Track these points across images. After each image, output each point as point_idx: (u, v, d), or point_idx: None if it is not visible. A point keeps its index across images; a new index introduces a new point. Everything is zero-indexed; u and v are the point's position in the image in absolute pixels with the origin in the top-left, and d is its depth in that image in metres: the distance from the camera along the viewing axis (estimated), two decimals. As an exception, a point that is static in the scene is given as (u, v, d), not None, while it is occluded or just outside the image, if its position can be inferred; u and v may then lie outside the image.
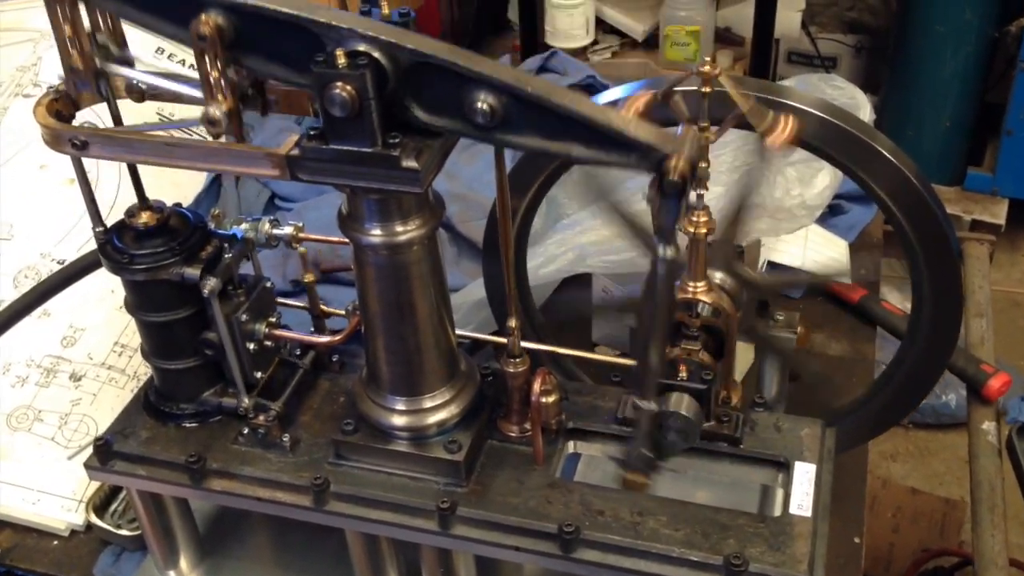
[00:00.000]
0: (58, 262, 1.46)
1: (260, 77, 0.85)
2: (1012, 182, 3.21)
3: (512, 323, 0.98)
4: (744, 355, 1.35)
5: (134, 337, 1.41)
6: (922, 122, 3.22)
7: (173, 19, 0.81)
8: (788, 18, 2.76)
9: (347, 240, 0.93)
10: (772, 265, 1.48)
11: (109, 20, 0.90)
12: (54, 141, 0.89)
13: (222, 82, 0.82)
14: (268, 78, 0.85)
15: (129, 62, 0.92)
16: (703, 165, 0.93)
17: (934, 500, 2.54)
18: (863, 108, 1.39)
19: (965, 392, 1.46)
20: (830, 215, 1.60)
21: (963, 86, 3.13)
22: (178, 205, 1.04)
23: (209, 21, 0.78)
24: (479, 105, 0.78)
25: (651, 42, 2.80)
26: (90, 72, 0.89)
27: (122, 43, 0.91)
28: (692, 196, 0.94)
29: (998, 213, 3.21)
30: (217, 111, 0.83)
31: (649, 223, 0.81)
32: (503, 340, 1.02)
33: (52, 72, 1.65)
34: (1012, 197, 3.24)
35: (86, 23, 0.89)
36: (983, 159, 3.30)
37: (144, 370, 1.38)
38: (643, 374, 0.88)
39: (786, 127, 0.80)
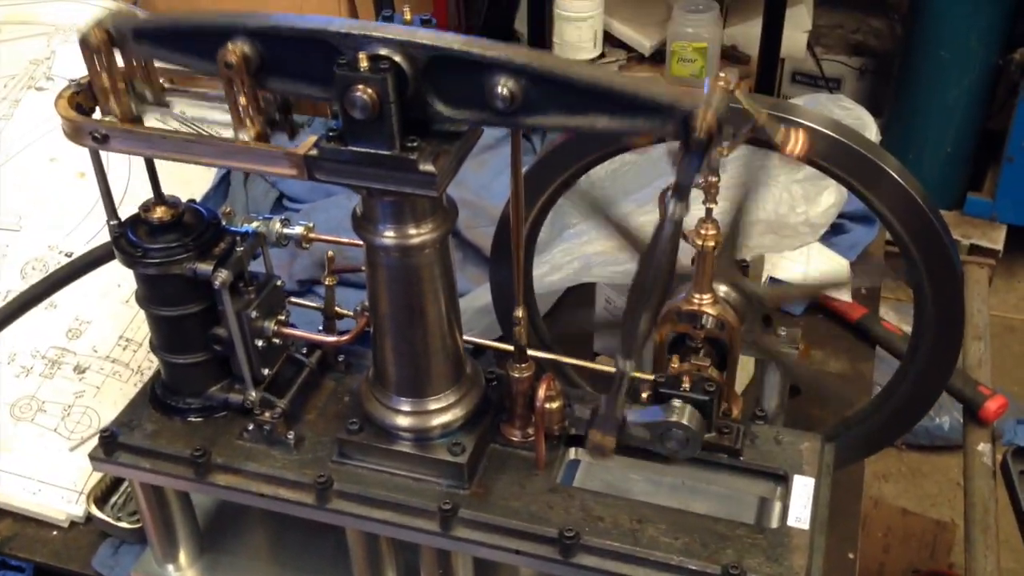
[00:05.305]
0: (66, 255, 1.47)
1: (286, 96, 0.87)
2: (1011, 208, 3.23)
3: (519, 313, 0.97)
4: (744, 369, 1.36)
5: (139, 331, 1.42)
6: (924, 146, 3.24)
7: (203, 55, 0.84)
8: (794, 38, 2.77)
9: (358, 242, 0.94)
10: (774, 280, 1.49)
11: (145, 65, 0.91)
12: (75, 134, 0.90)
13: (249, 109, 0.85)
14: (294, 96, 0.87)
15: (164, 104, 0.94)
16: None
17: (925, 521, 2.55)
18: (870, 129, 1.41)
19: (959, 415, 1.47)
20: (832, 234, 1.61)
21: (965, 112, 3.15)
22: (192, 202, 1.05)
23: (236, 50, 0.82)
24: (499, 90, 0.78)
25: (658, 57, 2.81)
26: (127, 119, 0.91)
27: (158, 88, 0.92)
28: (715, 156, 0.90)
29: (996, 238, 3.23)
30: (246, 136, 0.86)
31: (647, 237, 0.81)
32: (508, 347, 1.03)
33: (66, 66, 1.68)
34: (1011, 223, 3.26)
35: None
36: (983, 185, 3.32)
37: (148, 364, 1.38)
38: (628, 334, 0.85)
39: (799, 138, 0.81)
